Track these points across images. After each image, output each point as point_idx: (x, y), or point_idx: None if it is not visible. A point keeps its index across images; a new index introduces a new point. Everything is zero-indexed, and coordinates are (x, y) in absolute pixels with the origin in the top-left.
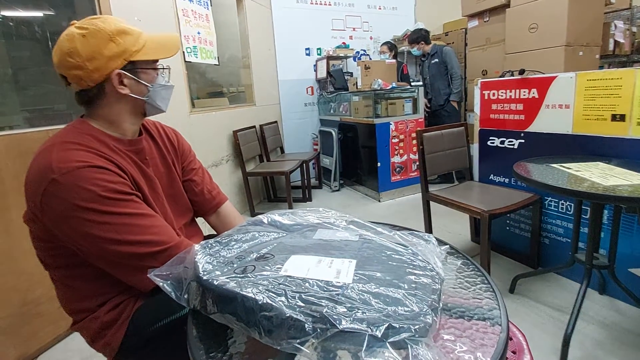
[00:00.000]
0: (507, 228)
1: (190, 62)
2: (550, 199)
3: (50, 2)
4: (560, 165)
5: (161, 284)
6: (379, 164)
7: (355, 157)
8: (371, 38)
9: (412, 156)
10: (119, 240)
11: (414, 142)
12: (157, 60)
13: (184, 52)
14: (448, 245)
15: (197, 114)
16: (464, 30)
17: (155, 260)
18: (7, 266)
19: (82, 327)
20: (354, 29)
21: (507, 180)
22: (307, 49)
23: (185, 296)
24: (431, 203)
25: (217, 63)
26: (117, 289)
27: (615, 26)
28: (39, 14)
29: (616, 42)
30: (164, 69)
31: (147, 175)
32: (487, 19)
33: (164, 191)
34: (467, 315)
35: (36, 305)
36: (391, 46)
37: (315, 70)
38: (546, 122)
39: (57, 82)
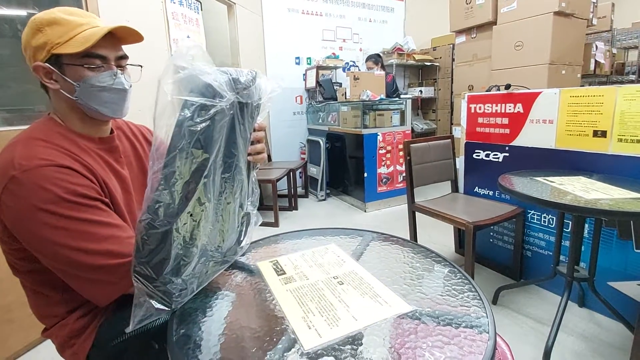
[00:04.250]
0: (491, 240)
1: None
2: (533, 212)
3: (35, 0)
4: (544, 179)
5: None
6: (365, 175)
7: (343, 167)
8: (361, 50)
9: (398, 167)
10: (73, 247)
11: (401, 153)
12: (94, 55)
13: (172, 55)
14: (434, 253)
15: None
16: (451, 45)
17: (112, 274)
18: None
19: (52, 334)
20: (344, 40)
21: (491, 192)
22: (297, 58)
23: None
24: (417, 214)
25: None
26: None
27: (597, 47)
28: (22, 12)
29: (597, 63)
30: (109, 68)
31: (119, 175)
32: (475, 35)
33: (137, 190)
34: (455, 323)
35: (6, 311)
36: (376, 60)
37: (305, 80)
38: (530, 137)
39: (38, 81)
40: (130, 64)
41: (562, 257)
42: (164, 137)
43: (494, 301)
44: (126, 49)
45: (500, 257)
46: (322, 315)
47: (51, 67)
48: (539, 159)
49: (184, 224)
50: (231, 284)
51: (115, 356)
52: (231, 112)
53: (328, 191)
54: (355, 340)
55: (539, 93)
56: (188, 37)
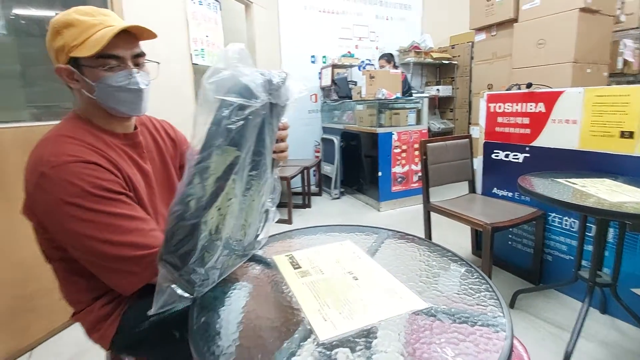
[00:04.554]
0: (509, 243)
1: (197, 64)
2: (554, 214)
3: (63, 1)
4: (566, 180)
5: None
6: (380, 174)
7: (357, 165)
8: (377, 48)
9: (413, 167)
10: (99, 239)
11: (417, 152)
12: (108, 56)
13: (191, 54)
14: (451, 252)
15: None
16: (470, 43)
17: (137, 264)
18: (6, 258)
19: (80, 318)
20: (360, 38)
21: (510, 194)
22: (312, 56)
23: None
24: (432, 214)
25: None
26: None
27: (625, 45)
28: (51, 13)
29: (625, 61)
30: (126, 67)
31: (143, 170)
32: (495, 33)
33: (159, 184)
34: (471, 321)
35: (30, 299)
36: (389, 58)
37: (320, 78)
38: (552, 137)
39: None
40: (149, 60)
41: (584, 262)
42: (201, 135)
43: (511, 305)
44: (149, 48)
45: (518, 260)
46: (337, 308)
47: (72, 68)
48: (561, 160)
49: (211, 217)
50: (249, 275)
51: (138, 342)
52: (263, 112)
53: (342, 189)
54: (370, 333)
55: (562, 92)
56: (207, 36)
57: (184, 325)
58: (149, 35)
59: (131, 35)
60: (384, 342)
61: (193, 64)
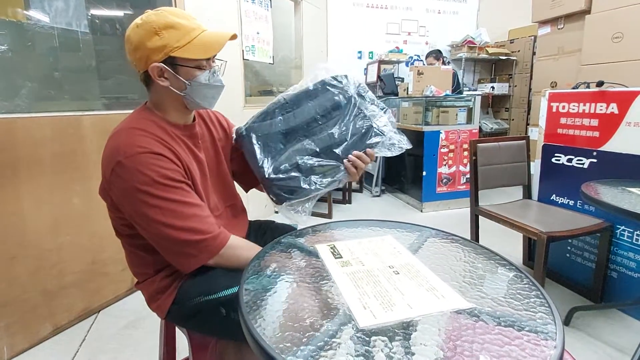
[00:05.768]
0: (567, 255)
1: (247, 60)
2: (623, 227)
3: (132, 2)
4: None
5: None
6: (424, 173)
7: (400, 164)
8: (427, 43)
9: (461, 168)
10: (165, 223)
11: (466, 153)
12: (206, 58)
13: (243, 50)
14: (499, 256)
15: (249, 109)
16: (532, 37)
17: (194, 248)
18: (84, 228)
19: (143, 287)
20: (409, 33)
21: (572, 202)
22: (359, 52)
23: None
24: (480, 219)
25: (272, 62)
26: None
27: None
28: (120, 13)
29: None
30: (209, 67)
31: (198, 159)
32: (562, 25)
33: (212, 172)
34: (518, 326)
35: (103, 265)
36: (437, 55)
37: (366, 74)
38: (625, 142)
39: (131, 73)
40: (219, 60)
41: None
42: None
43: (567, 322)
44: None
45: (577, 275)
46: (377, 299)
47: (165, 66)
48: (635, 167)
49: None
50: (292, 262)
51: (190, 315)
52: (350, 95)
53: (383, 187)
54: (409, 326)
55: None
56: (258, 33)
57: (230, 305)
58: (232, 37)
59: None
60: (423, 336)
61: (244, 59)
